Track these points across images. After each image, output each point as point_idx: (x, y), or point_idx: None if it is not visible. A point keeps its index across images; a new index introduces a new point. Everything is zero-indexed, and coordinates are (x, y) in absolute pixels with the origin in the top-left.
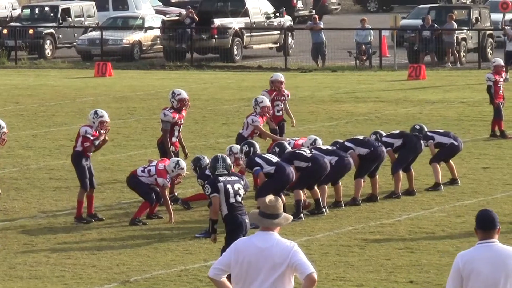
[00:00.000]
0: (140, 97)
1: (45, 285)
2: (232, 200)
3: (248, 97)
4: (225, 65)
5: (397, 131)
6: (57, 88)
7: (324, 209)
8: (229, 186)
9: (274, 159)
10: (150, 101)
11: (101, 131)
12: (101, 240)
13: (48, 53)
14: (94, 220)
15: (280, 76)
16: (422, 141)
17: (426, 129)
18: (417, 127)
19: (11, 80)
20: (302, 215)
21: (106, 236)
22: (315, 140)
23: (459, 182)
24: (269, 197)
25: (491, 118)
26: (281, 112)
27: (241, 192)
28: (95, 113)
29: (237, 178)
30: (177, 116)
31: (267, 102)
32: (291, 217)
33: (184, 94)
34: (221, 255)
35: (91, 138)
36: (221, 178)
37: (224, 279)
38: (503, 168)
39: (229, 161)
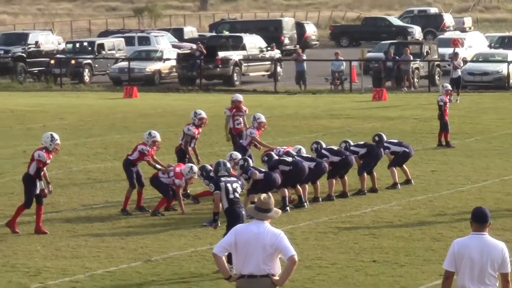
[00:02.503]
0: (160, 114)
1: (84, 263)
2: (231, 196)
3: None
4: (227, 88)
5: (362, 142)
6: (93, 107)
7: (305, 203)
8: (228, 185)
9: (263, 169)
10: (168, 117)
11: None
12: (129, 227)
13: (86, 79)
14: (142, 212)
15: (239, 96)
16: (382, 150)
17: (384, 137)
18: (376, 138)
19: (57, 101)
20: (287, 208)
21: (133, 224)
22: (300, 149)
23: (412, 182)
24: (263, 195)
25: (438, 131)
26: (240, 125)
27: (239, 190)
28: (149, 134)
29: (235, 179)
30: (197, 132)
31: (263, 118)
32: (280, 212)
33: (204, 114)
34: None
35: (146, 152)
36: (222, 179)
37: (224, 257)
38: (447, 171)
39: (229, 165)
